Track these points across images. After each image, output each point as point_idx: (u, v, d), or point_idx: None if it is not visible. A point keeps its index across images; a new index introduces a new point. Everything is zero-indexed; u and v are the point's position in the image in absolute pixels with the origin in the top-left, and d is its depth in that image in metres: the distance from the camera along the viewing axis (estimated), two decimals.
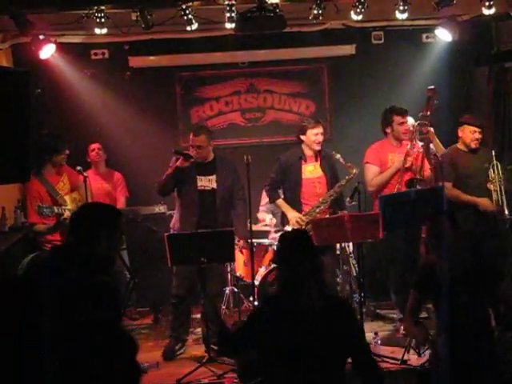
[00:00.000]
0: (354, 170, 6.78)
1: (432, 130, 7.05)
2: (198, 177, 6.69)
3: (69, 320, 3.40)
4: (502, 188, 6.87)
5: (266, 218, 7.96)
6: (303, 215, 6.78)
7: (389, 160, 7.05)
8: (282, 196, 7.03)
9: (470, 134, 7.00)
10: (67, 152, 6.90)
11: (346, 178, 6.80)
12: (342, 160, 6.79)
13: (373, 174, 7.02)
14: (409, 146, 6.87)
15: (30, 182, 6.63)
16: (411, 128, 7.02)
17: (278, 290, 4.00)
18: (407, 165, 6.84)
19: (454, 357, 4.49)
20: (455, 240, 4.80)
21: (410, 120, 7.23)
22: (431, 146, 7.11)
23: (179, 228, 6.68)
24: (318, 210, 6.77)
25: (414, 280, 5.10)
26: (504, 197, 6.85)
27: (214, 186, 6.73)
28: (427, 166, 6.91)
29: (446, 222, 4.86)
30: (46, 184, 6.70)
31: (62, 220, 6.41)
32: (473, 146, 7.00)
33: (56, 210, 6.47)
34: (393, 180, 6.92)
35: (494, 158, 6.91)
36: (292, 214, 6.80)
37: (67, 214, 6.38)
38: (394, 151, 7.08)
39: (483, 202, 6.91)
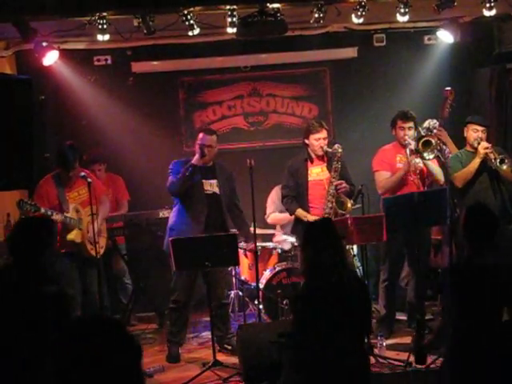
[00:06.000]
0: (340, 150, 6.72)
1: (445, 132, 7.04)
2: (202, 180, 6.77)
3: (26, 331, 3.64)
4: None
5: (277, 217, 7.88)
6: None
7: (397, 160, 6.98)
8: None
9: (472, 133, 6.96)
10: (77, 168, 6.70)
11: (335, 158, 6.71)
12: (327, 148, 6.77)
13: (383, 177, 6.96)
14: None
15: (44, 180, 6.67)
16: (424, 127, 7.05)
17: (304, 271, 4.53)
18: (411, 168, 6.82)
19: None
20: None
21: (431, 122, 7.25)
22: (444, 147, 7.12)
23: (183, 230, 6.70)
24: (330, 206, 6.71)
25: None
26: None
27: (216, 190, 6.82)
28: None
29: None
30: (59, 188, 6.67)
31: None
32: (475, 145, 6.96)
33: (42, 211, 6.31)
34: (407, 182, 6.90)
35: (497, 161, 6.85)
36: (313, 219, 6.57)
37: (58, 217, 6.36)
38: (402, 152, 6.97)
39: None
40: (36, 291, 3.85)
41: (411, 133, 6.91)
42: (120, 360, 2.10)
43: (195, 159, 6.64)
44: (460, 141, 7.22)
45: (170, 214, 7.00)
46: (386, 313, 6.99)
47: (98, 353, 2.08)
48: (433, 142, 6.63)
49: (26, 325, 3.69)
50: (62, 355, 2.10)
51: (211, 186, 6.82)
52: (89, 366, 2.06)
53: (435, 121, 7.15)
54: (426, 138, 6.65)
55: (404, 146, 6.92)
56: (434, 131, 6.79)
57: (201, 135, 6.79)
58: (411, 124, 6.93)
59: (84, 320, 2.25)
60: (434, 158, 6.73)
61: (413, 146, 6.74)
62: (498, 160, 6.75)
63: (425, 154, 6.66)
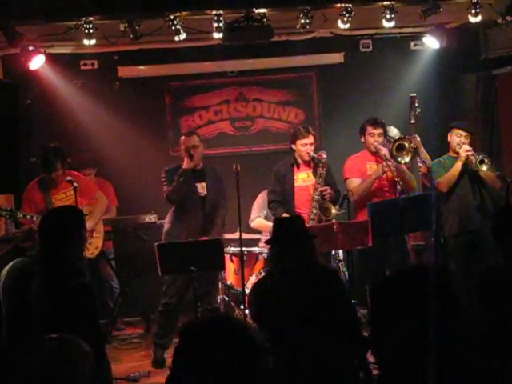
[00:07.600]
0: (325, 156, 6.71)
1: (418, 138, 7.06)
2: (195, 183, 6.83)
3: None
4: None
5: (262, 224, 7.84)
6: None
7: (367, 168, 6.94)
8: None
9: (455, 137, 6.96)
10: (59, 170, 6.76)
11: (321, 164, 6.70)
12: (314, 154, 6.76)
13: (355, 184, 6.87)
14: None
15: (30, 186, 6.72)
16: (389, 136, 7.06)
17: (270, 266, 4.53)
18: (386, 170, 6.78)
19: None
20: None
21: (394, 131, 7.27)
22: (418, 158, 7.14)
23: (180, 235, 6.68)
24: (314, 212, 6.71)
25: None
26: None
27: (206, 192, 6.86)
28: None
29: None
30: (45, 192, 6.70)
31: (31, 230, 6.49)
32: (458, 149, 6.94)
33: (19, 215, 6.43)
34: (379, 190, 6.86)
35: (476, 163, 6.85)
36: None
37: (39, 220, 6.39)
38: (372, 160, 6.95)
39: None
40: (61, 283, 3.88)
41: (381, 139, 6.89)
42: (245, 360, 2.16)
43: (185, 163, 6.68)
44: (443, 146, 7.24)
45: (166, 220, 7.02)
46: None
47: (227, 353, 2.14)
48: (406, 145, 6.66)
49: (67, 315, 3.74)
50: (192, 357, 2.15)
51: (203, 188, 6.86)
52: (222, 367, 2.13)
53: (392, 128, 7.21)
54: (399, 142, 6.69)
55: (373, 153, 6.91)
56: (407, 136, 6.84)
57: (182, 138, 6.88)
58: (381, 130, 6.90)
59: (212, 321, 2.31)
60: (409, 161, 6.76)
61: (384, 151, 6.75)
62: (478, 160, 6.75)
63: (399, 159, 6.68)
